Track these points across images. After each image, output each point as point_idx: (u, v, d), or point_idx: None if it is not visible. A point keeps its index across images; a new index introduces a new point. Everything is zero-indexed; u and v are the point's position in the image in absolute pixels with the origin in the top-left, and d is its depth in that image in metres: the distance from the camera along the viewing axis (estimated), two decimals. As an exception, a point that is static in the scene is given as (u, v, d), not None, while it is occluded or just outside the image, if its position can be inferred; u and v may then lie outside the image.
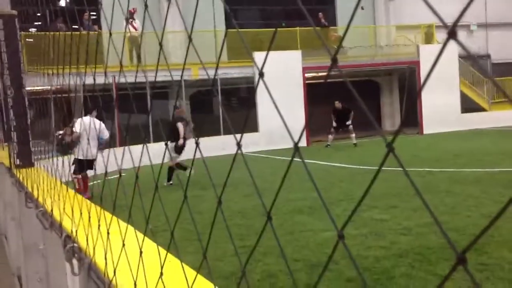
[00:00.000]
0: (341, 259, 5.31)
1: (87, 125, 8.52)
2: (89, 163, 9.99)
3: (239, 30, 0.94)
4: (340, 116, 18.41)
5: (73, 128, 9.98)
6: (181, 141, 11.58)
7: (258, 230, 6.62)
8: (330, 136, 18.72)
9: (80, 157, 9.41)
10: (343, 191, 9.24)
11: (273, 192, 0.86)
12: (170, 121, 11.95)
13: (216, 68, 1.02)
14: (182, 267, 1.19)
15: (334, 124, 18.68)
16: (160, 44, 1.13)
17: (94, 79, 1.64)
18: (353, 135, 18.37)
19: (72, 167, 9.16)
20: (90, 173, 10.35)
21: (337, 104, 18.37)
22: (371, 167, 11.76)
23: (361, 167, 12.40)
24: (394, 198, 8.23)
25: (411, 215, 7.01)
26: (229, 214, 7.43)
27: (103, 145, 9.69)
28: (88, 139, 9.06)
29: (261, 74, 0.77)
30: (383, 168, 0.66)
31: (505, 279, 4.62)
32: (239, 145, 0.82)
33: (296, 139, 0.68)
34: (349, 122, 18.39)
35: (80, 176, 9.82)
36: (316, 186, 0.68)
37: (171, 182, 11.51)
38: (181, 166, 11.53)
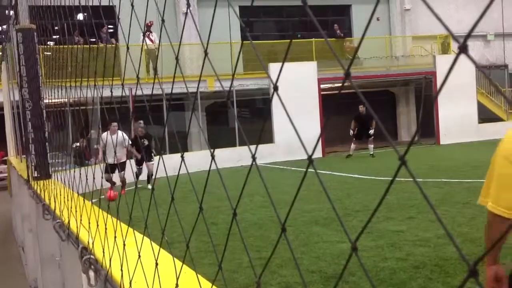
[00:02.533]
0: (357, 271, 5.26)
1: (109, 139, 10.17)
2: (118, 167, 11.27)
3: (254, 42, 0.94)
4: (362, 123, 17.68)
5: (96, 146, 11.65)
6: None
7: (274, 241, 6.64)
8: (353, 146, 18.07)
9: (110, 161, 10.42)
10: (359, 202, 9.18)
11: (289, 203, 0.86)
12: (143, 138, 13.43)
13: (232, 80, 1.02)
14: (198, 278, 1.20)
15: (354, 132, 17.92)
16: (177, 59, 1.14)
17: (111, 91, 1.66)
18: (372, 145, 17.98)
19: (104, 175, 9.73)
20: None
21: (361, 108, 17.55)
22: (388, 177, 11.68)
23: (378, 178, 12.32)
24: (411, 209, 8.15)
25: (429, 226, 6.93)
26: (245, 225, 7.42)
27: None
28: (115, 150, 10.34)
29: (276, 88, 0.77)
30: (399, 179, 0.66)
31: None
32: (253, 157, 0.82)
33: (310, 150, 0.68)
34: (371, 131, 17.74)
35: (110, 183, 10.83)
36: (329, 196, 0.68)
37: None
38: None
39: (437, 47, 23.73)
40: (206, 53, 0.96)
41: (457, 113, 20.54)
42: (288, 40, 17.42)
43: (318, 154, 19.10)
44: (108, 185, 10.55)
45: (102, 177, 2.13)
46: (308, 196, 9.16)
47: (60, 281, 3.49)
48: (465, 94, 20.63)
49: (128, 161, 12.35)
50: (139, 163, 13.09)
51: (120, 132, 11.18)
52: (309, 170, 0.75)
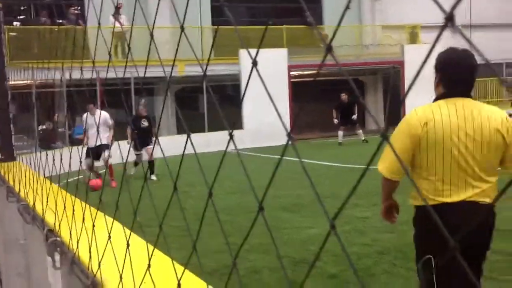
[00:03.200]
0: (324, 256, 5.34)
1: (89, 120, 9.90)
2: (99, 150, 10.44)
3: (225, 27, 0.94)
4: (344, 110, 17.92)
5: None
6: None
7: (243, 227, 6.67)
8: (340, 133, 18.17)
9: (91, 145, 9.93)
10: (328, 189, 9.29)
11: (257, 189, 0.87)
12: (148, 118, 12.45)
13: (207, 65, 1.02)
14: (172, 260, 1.20)
15: (338, 120, 18.03)
16: (151, 35, 1.13)
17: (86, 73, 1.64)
18: (360, 130, 18.17)
19: (84, 161, 10.00)
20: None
21: (344, 97, 17.83)
22: (356, 165, 11.84)
23: (346, 165, 12.48)
24: (377, 196, 8.28)
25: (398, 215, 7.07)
26: (213, 210, 7.42)
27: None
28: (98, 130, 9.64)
29: (254, 63, 0.77)
30: (369, 167, 0.68)
31: (486, 277, 4.69)
32: (232, 139, 0.83)
33: (278, 137, 0.69)
34: (355, 116, 18.01)
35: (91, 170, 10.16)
36: (312, 182, 0.69)
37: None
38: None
39: (405, 37, 24.03)
40: (183, 30, 0.96)
41: (424, 102, 20.71)
42: (260, 27, 17.42)
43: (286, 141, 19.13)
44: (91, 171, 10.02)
45: (80, 164, 2.10)
46: (278, 183, 9.19)
47: (24, 265, 3.44)
48: (431, 85, 20.94)
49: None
50: (136, 148, 11.49)
51: (100, 112, 10.66)
52: (279, 157, 0.76)
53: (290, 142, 0.66)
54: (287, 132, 0.67)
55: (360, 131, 18.23)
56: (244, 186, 10.01)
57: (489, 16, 26.33)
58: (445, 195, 2.77)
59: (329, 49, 0.62)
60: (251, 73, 0.76)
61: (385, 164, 2.92)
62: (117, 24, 18.02)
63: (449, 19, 0.50)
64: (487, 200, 2.78)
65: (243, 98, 18.38)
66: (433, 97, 3.01)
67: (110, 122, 10.94)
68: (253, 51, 0.89)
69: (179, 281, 1.04)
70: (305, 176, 0.69)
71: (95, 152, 10.04)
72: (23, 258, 3.45)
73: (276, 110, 0.77)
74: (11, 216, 3.63)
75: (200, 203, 7.17)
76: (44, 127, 15.66)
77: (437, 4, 0.54)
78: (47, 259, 2.05)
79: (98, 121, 9.99)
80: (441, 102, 2.88)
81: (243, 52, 18.93)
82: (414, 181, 2.83)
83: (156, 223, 1.20)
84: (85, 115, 10.76)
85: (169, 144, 12.30)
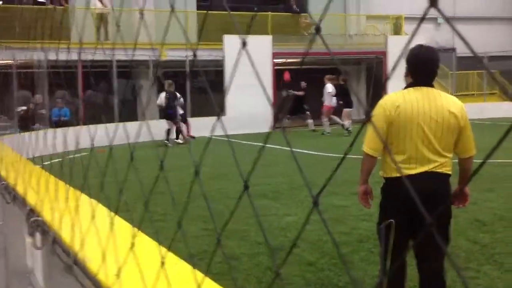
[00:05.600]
0: (301, 243, 5.40)
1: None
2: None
3: (209, 12, 0.94)
4: (300, 99, 18.66)
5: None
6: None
7: (222, 213, 6.67)
8: (310, 121, 18.97)
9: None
10: (307, 178, 9.34)
11: (237, 175, 0.89)
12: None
13: (193, 50, 1.01)
14: (157, 238, 1.21)
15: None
16: (141, 14, 1.13)
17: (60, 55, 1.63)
18: (311, 120, 18.78)
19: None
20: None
21: (303, 85, 18.62)
22: (335, 154, 11.93)
23: (324, 154, 12.56)
24: (355, 185, 8.35)
25: (373, 201, 7.15)
26: (193, 196, 7.41)
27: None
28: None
29: (244, 43, 0.78)
30: (347, 156, 0.70)
31: (463, 268, 4.79)
32: (222, 127, 0.84)
33: (261, 124, 0.71)
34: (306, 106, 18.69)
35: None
36: (300, 167, 0.71)
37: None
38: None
39: (389, 28, 24.12)
40: (173, 9, 0.96)
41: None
42: (244, 12, 17.34)
43: (267, 128, 19.21)
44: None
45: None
46: (257, 170, 9.22)
47: (2, 246, 3.42)
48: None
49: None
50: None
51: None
52: (261, 144, 0.78)
53: (271, 131, 0.67)
54: (272, 124, 0.68)
55: (311, 121, 18.68)
56: (223, 172, 10.02)
57: (471, 9, 26.55)
58: (411, 168, 3.24)
59: (317, 30, 0.64)
60: (232, 66, 0.77)
61: (367, 143, 3.40)
62: (101, 6, 17.79)
63: (433, 4, 0.52)
64: (444, 170, 3.29)
65: (230, 83, 18.34)
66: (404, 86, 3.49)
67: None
68: (237, 37, 0.90)
69: (163, 260, 1.05)
70: (285, 164, 0.71)
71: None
72: (1, 240, 3.43)
73: (268, 98, 0.78)
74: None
75: (178, 188, 7.16)
76: (24, 108, 15.44)
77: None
78: (26, 240, 2.04)
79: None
80: (410, 89, 3.36)
81: (227, 38, 18.83)
82: (392, 154, 3.45)
83: (135, 207, 1.21)
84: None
85: (153, 129, 12.31)
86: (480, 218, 6.30)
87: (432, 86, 3.36)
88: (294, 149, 0.68)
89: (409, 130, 3.25)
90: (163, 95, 16.10)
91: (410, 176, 3.23)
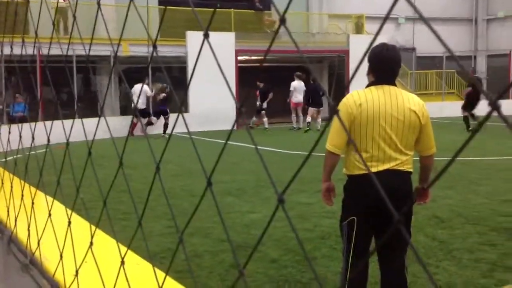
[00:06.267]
0: (267, 241, 5.41)
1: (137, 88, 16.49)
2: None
3: (172, 8, 0.92)
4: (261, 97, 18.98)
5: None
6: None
7: (186, 210, 6.61)
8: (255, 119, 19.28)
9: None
10: (272, 175, 9.36)
11: (202, 173, 0.87)
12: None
13: (153, 45, 0.98)
14: (115, 236, 1.18)
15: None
16: (97, 5, 1.09)
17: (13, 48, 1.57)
18: (265, 118, 19.05)
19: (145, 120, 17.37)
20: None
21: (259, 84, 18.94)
22: (301, 152, 12.00)
23: (290, 152, 12.62)
24: (320, 183, 8.43)
25: (335, 199, 7.22)
26: (158, 193, 7.33)
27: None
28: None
29: (206, 35, 0.76)
30: (313, 154, 0.69)
31: (424, 263, 4.89)
32: (185, 123, 0.82)
33: (225, 121, 0.69)
34: (264, 104, 18.98)
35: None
36: (265, 164, 0.70)
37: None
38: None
39: (351, 27, 24.42)
40: (131, 3, 0.93)
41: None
42: (207, 9, 17.23)
43: (230, 126, 19.15)
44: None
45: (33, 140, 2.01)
46: (222, 168, 9.19)
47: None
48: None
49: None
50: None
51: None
52: (224, 141, 0.76)
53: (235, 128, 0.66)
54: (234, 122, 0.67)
55: (265, 119, 19.00)
56: (187, 169, 9.96)
57: (431, 10, 27.12)
58: (373, 166, 3.26)
59: (283, 21, 0.63)
60: (202, 44, 0.75)
61: (329, 140, 3.41)
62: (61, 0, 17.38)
63: None
64: (406, 168, 3.31)
65: (190, 81, 18.21)
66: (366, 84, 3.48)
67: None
68: (200, 33, 0.88)
69: (122, 258, 1.02)
70: (251, 161, 0.69)
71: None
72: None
73: (233, 95, 0.77)
74: None
75: (141, 186, 7.07)
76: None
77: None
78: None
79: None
80: (372, 87, 3.36)
81: (190, 34, 18.69)
82: (359, 152, 3.42)
83: (96, 205, 1.18)
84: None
85: (112, 125, 12.14)
86: (439, 215, 6.44)
87: (394, 84, 3.37)
88: (259, 147, 0.66)
89: (371, 128, 3.27)
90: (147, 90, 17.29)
91: (374, 174, 3.26)
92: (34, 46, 1.89)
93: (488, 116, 0.51)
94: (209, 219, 6.06)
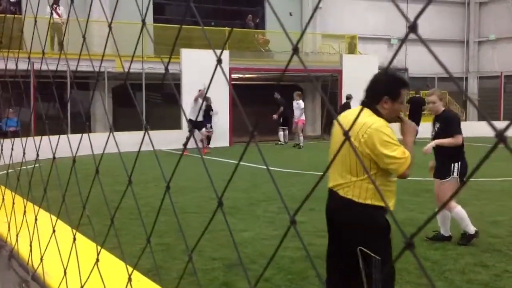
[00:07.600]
0: (259, 259, 5.38)
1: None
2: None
3: (166, 25, 0.93)
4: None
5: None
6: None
7: (178, 228, 6.54)
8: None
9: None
10: (264, 192, 9.35)
11: (194, 190, 0.86)
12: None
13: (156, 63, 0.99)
14: (121, 250, 1.17)
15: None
16: (83, 37, 1.10)
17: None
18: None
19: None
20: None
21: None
22: (293, 170, 12.00)
23: (283, 170, 12.62)
24: (312, 201, 8.38)
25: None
26: (149, 210, 7.30)
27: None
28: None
29: (219, 61, 0.76)
30: (305, 172, 0.69)
31: (411, 283, 4.87)
32: (195, 138, 0.82)
33: (219, 139, 0.69)
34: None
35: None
36: (277, 186, 0.69)
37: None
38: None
39: (344, 47, 24.64)
40: (110, 27, 0.94)
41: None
42: (201, 27, 17.31)
43: (225, 143, 19.16)
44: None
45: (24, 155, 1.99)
46: (215, 185, 9.18)
47: None
48: (368, 94, 21.61)
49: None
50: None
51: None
52: (218, 159, 0.76)
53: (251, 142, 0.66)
54: (253, 131, 0.67)
55: (281, 133, 20.03)
56: (178, 186, 9.92)
57: (423, 32, 27.41)
58: (328, 181, 3.43)
59: (296, 50, 0.63)
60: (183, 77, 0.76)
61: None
62: (55, 15, 17.43)
63: (412, 28, 0.52)
64: (346, 193, 3.26)
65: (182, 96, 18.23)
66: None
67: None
68: (194, 51, 0.88)
69: (130, 275, 1.01)
70: (245, 179, 0.69)
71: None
72: None
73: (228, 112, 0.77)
74: None
75: (133, 202, 7.02)
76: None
77: (402, 14, 0.56)
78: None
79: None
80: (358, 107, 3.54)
81: (184, 52, 18.76)
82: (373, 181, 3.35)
83: (92, 222, 1.17)
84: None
85: (105, 141, 12.08)
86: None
87: (367, 105, 3.33)
88: (253, 165, 0.66)
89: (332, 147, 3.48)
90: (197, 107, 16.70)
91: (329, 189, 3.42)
92: (28, 62, 1.89)
93: (494, 147, 0.52)
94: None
